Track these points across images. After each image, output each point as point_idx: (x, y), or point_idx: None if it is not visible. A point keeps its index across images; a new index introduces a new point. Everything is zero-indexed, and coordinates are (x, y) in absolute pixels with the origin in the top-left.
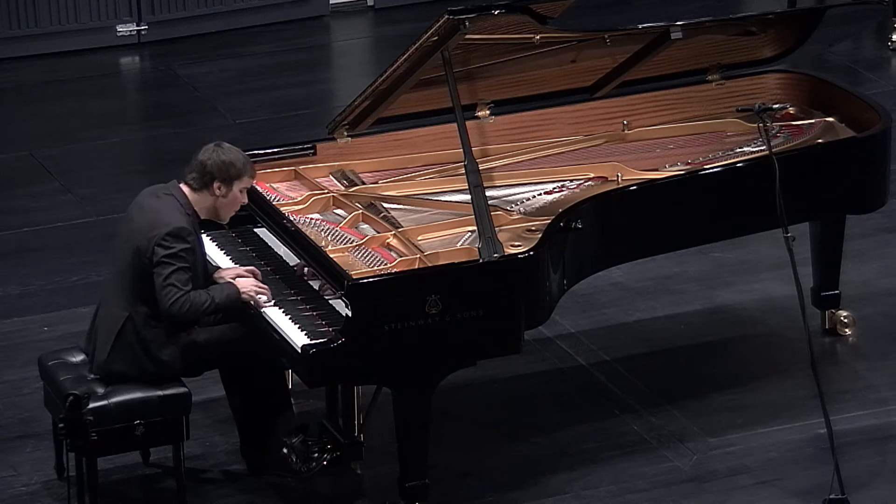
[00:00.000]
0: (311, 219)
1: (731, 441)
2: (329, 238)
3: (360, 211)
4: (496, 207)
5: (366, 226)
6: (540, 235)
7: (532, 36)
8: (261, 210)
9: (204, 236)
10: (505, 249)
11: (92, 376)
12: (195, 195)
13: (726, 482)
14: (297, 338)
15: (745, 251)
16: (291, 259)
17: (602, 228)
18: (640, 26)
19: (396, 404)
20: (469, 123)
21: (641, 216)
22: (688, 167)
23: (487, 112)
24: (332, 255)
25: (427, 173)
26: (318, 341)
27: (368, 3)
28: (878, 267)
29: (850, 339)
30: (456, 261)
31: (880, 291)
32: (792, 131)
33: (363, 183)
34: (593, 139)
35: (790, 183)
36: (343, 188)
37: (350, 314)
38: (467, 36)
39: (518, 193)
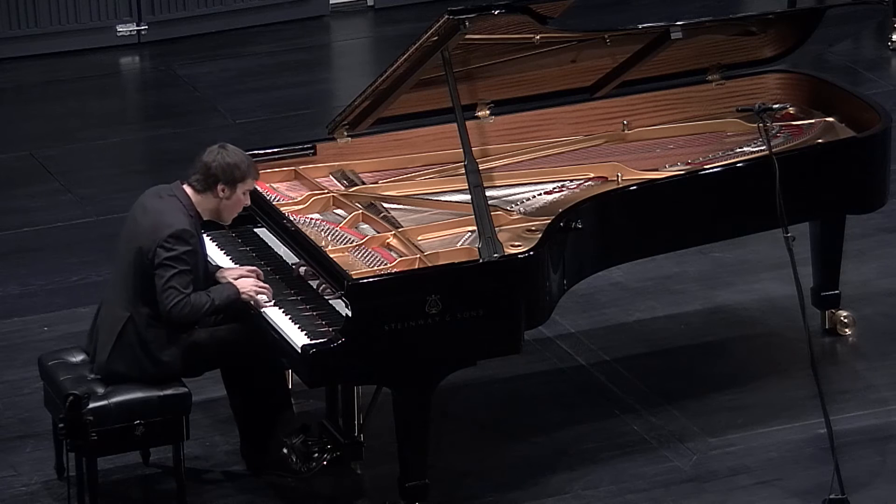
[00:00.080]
0: (311, 219)
1: (731, 441)
2: (329, 238)
3: (360, 211)
4: (496, 207)
5: (366, 226)
6: (540, 235)
7: (532, 36)
8: (261, 210)
9: (204, 236)
10: (505, 249)
11: (92, 376)
12: (198, 197)
13: (726, 482)
14: (297, 338)
15: (745, 251)
16: (291, 259)
17: (602, 228)
18: (640, 26)
19: (396, 404)
20: (469, 123)
21: (641, 216)
22: (688, 167)
23: (487, 112)
24: (332, 255)
25: (427, 173)
26: (318, 341)
27: (368, 3)
28: (878, 267)
29: (850, 339)
30: (456, 261)
31: (880, 291)
32: (792, 131)
33: (363, 183)
34: (593, 139)
35: (790, 183)
36: (343, 188)
37: (350, 314)
38: (467, 36)
39: (518, 193)
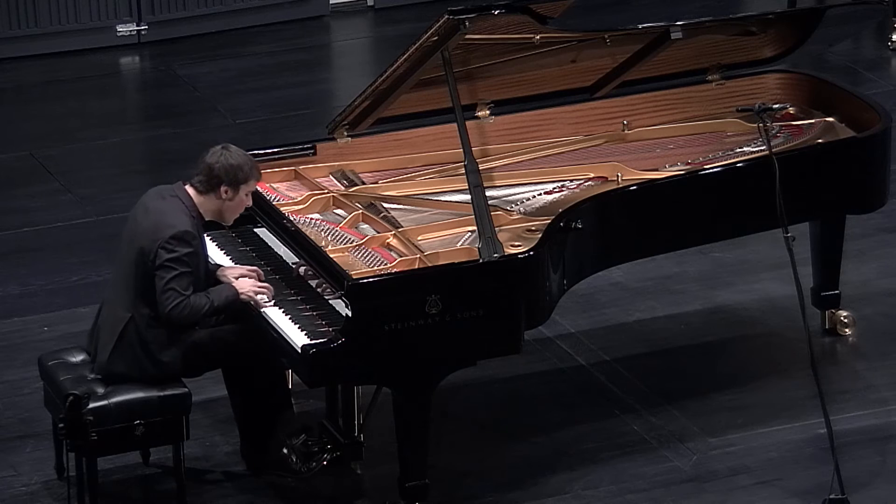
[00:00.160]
0: (311, 219)
1: (731, 441)
2: (329, 238)
3: (360, 211)
4: (496, 207)
5: (366, 226)
6: (540, 235)
7: (532, 36)
8: (261, 210)
9: (205, 236)
10: (505, 249)
11: (92, 376)
12: (201, 198)
13: (726, 482)
14: (297, 338)
15: (745, 251)
16: (291, 259)
17: (602, 228)
18: (640, 26)
19: (396, 404)
20: (469, 123)
21: (641, 216)
22: (688, 167)
23: (487, 112)
24: (332, 255)
25: (427, 173)
26: (318, 341)
27: (368, 3)
28: (878, 267)
29: (850, 339)
30: (456, 261)
31: (880, 291)
32: (792, 131)
33: (363, 183)
34: (593, 139)
35: (790, 183)
36: (343, 188)
37: (350, 314)
38: (467, 36)
39: (518, 193)
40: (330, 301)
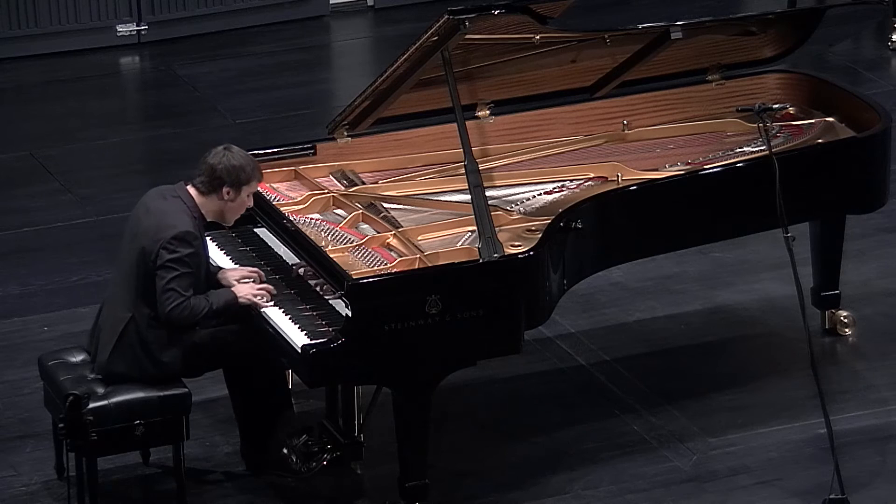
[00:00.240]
0: (311, 219)
1: (731, 441)
2: (329, 238)
3: (360, 211)
4: (496, 207)
5: (366, 226)
6: (540, 235)
7: (532, 36)
8: (261, 210)
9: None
10: (505, 249)
11: (92, 376)
12: (202, 198)
13: (726, 482)
14: (297, 338)
15: (745, 251)
16: (291, 259)
17: (602, 228)
18: (640, 26)
19: (396, 404)
20: (469, 123)
21: (641, 216)
22: (688, 167)
23: (487, 112)
24: (332, 255)
25: (427, 173)
26: (318, 341)
27: (368, 3)
28: (878, 267)
29: (850, 339)
30: (456, 261)
31: (880, 291)
32: (792, 131)
33: (363, 183)
34: (593, 139)
35: (790, 183)
36: (343, 188)
37: (350, 314)
38: (467, 36)
39: (518, 193)
40: (330, 301)
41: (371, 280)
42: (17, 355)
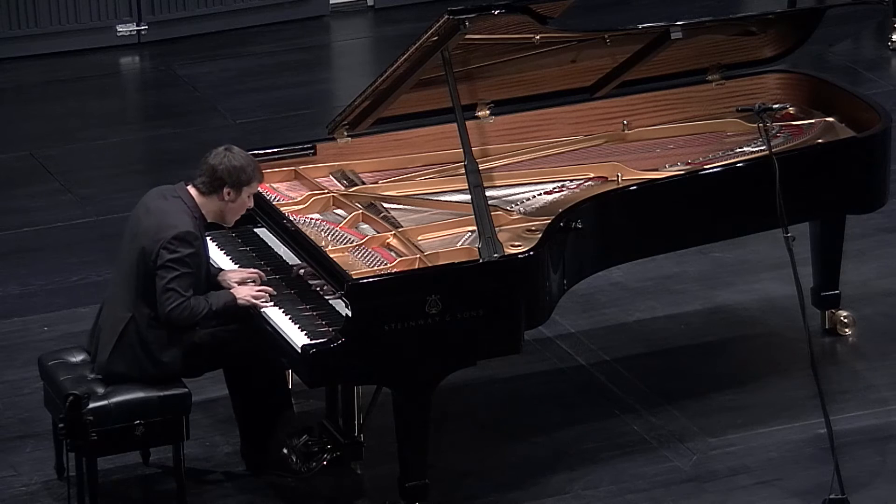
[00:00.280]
0: (311, 219)
1: (731, 441)
2: (329, 238)
3: (360, 211)
4: (496, 207)
5: (366, 226)
6: (540, 235)
7: (532, 36)
8: (261, 210)
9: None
10: (505, 249)
11: (92, 376)
12: (203, 199)
13: (726, 482)
14: (297, 338)
15: (745, 251)
16: (291, 259)
17: (602, 228)
18: (640, 26)
19: (396, 404)
20: (469, 123)
21: (641, 216)
22: (688, 167)
23: (487, 112)
24: (332, 255)
25: (427, 173)
26: (318, 341)
27: (368, 3)
28: (878, 267)
29: (850, 339)
30: (456, 261)
31: (880, 291)
32: (792, 131)
33: (363, 183)
34: (593, 139)
35: (790, 183)
36: (343, 188)
37: (350, 314)
38: (467, 36)
39: (518, 193)
40: (330, 301)
41: (371, 280)
42: (17, 355)
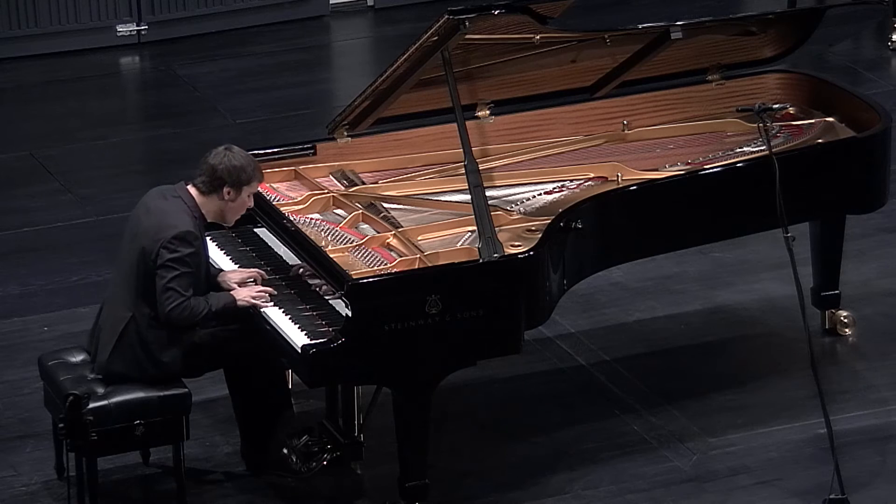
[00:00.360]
0: (311, 219)
1: (731, 441)
2: (329, 238)
3: (360, 211)
4: (496, 207)
5: (366, 226)
6: (540, 235)
7: (532, 36)
8: (261, 210)
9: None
10: (505, 249)
11: (92, 376)
12: (203, 198)
13: (726, 482)
14: (297, 338)
15: (745, 251)
16: (291, 259)
17: (602, 228)
18: (640, 26)
19: (396, 404)
20: (469, 123)
21: (641, 216)
22: (688, 167)
23: (487, 112)
24: (332, 255)
25: (427, 173)
26: (318, 341)
27: (368, 3)
28: (878, 267)
29: (850, 339)
30: (456, 261)
31: (880, 291)
32: (792, 131)
33: (363, 183)
34: (593, 139)
35: (790, 183)
36: (343, 188)
37: (350, 314)
38: (467, 36)
39: (518, 193)
40: (330, 301)
41: (371, 280)
42: (17, 355)
